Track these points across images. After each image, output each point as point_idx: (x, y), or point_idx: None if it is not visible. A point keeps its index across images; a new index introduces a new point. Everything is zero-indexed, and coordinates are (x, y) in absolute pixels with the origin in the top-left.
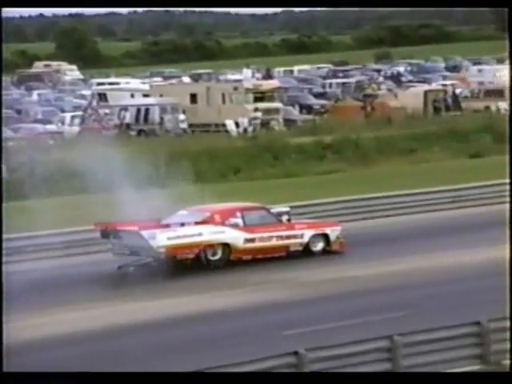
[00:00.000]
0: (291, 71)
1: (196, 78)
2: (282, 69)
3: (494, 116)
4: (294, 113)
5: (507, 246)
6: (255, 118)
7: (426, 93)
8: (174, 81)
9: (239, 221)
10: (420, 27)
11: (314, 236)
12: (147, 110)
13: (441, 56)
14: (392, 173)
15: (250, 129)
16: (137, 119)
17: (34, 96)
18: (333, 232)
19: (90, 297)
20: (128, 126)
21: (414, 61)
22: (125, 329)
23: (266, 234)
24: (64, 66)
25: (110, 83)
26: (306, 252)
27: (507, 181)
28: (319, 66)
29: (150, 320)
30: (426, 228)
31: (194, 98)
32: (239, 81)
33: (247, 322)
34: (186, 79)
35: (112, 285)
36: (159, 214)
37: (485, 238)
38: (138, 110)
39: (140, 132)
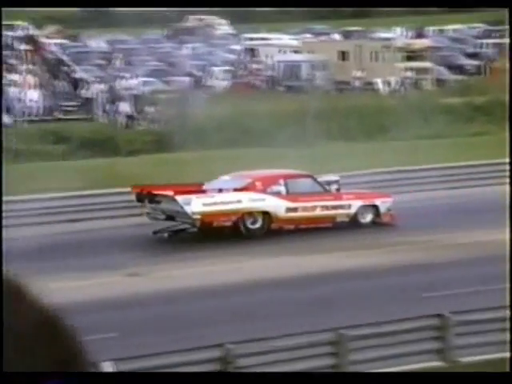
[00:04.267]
0: (443, 30)
1: (346, 36)
2: (434, 28)
3: None
4: (445, 73)
5: None
6: (405, 78)
7: None
8: (324, 38)
9: (282, 188)
10: None
11: (363, 207)
12: (297, 67)
13: None
14: None
15: (400, 88)
16: (286, 75)
17: (186, 50)
18: (383, 203)
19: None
20: (277, 81)
21: None
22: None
23: (309, 204)
24: (216, 20)
25: (261, 39)
26: (353, 223)
27: None
28: (473, 25)
29: (277, 277)
30: None
31: (343, 55)
32: (390, 39)
33: (386, 281)
34: (337, 36)
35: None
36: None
37: None
38: (288, 66)
39: (289, 88)
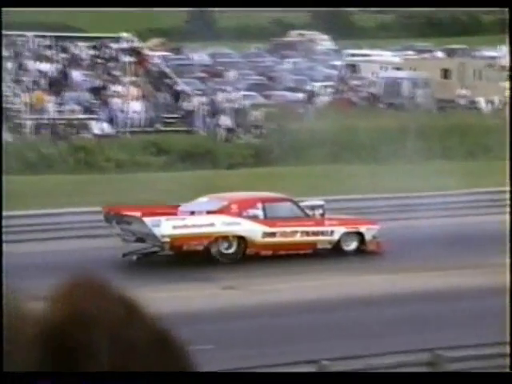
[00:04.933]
0: None
1: (449, 53)
2: None
3: None
4: None
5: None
6: (509, 97)
7: None
8: (426, 55)
9: (259, 212)
10: None
11: (347, 234)
12: (398, 84)
13: None
14: None
15: (503, 107)
16: (387, 92)
17: (287, 64)
18: (368, 231)
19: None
20: (378, 98)
21: None
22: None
23: (289, 229)
24: (317, 35)
25: (362, 55)
26: (336, 251)
27: None
28: None
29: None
30: None
31: (446, 73)
32: (495, 58)
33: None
34: (439, 54)
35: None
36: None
37: None
38: (389, 83)
39: (390, 105)
